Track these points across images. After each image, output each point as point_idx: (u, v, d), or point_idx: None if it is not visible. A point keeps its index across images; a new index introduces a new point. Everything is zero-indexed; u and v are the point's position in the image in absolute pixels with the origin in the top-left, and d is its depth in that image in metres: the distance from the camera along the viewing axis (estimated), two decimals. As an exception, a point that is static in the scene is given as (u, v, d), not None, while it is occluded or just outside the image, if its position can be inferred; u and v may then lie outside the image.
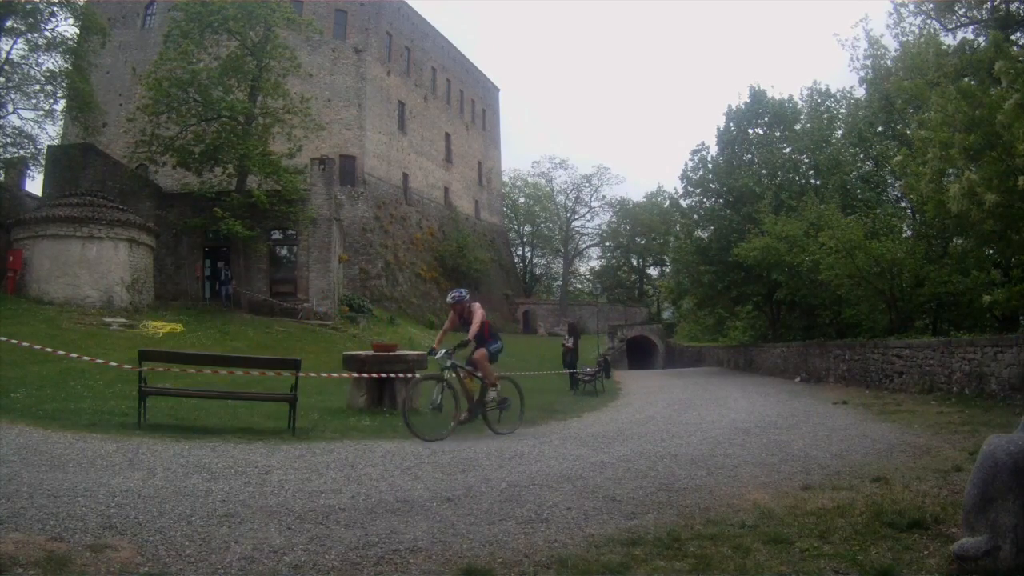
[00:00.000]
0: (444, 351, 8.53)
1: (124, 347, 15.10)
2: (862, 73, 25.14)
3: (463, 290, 9.22)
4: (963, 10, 13.74)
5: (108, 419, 8.30)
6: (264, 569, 3.48)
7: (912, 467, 6.21)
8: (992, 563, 3.22)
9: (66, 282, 22.02)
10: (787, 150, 27.70)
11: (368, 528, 4.21)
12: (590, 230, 68.49)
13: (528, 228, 68.47)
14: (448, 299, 9.14)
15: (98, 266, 22.57)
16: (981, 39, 13.23)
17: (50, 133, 32.35)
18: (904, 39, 18.53)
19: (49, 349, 10.86)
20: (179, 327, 20.51)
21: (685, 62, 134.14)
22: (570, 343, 19.36)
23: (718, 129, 29.07)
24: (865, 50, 24.88)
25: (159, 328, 19.96)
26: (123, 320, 20.39)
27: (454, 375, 8.57)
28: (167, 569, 3.41)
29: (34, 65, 25.83)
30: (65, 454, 6.08)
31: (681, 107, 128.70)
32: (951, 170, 12.66)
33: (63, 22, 27.83)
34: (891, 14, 22.88)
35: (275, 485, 5.33)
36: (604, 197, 67.60)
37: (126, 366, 9.68)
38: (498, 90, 61.33)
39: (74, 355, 10.96)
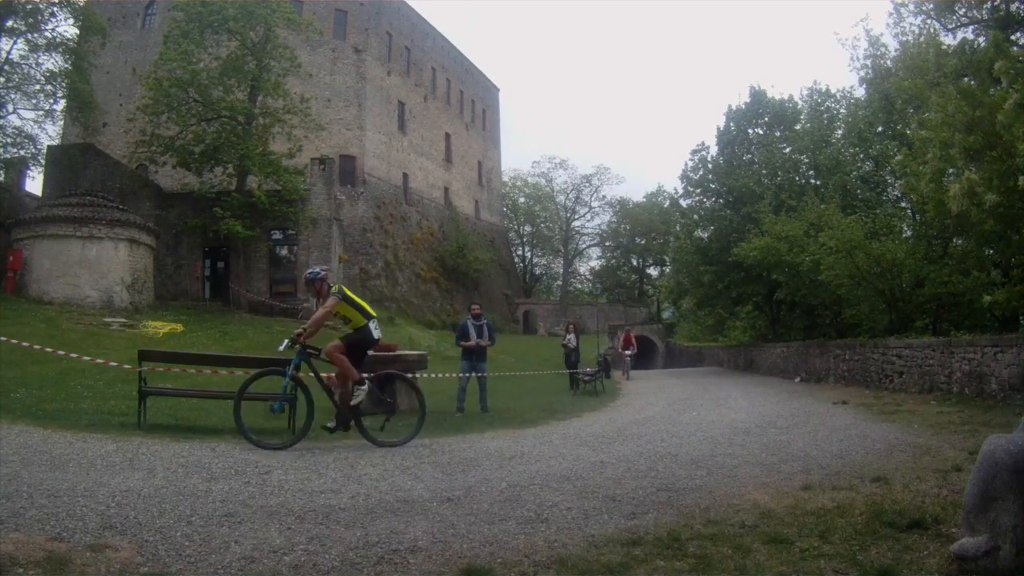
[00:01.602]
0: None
1: (124, 347, 15.09)
2: (862, 73, 25.23)
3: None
4: (963, 10, 13.76)
5: (108, 419, 8.30)
6: (264, 569, 3.48)
7: (912, 467, 6.21)
8: (992, 563, 3.22)
9: (66, 282, 22.02)
10: (787, 150, 27.70)
11: (368, 528, 4.21)
12: (590, 230, 68.60)
13: (528, 228, 68.46)
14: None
15: (98, 266, 22.57)
16: (981, 39, 13.25)
17: (50, 133, 32.38)
18: (904, 39, 18.58)
19: (49, 349, 10.87)
20: (179, 327, 20.50)
21: (685, 62, 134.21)
22: (572, 343, 19.29)
23: (718, 129, 29.09)
24: (865, 50, 24.98)
25: (159, 328, 19.95)
26: (123, 320, 20.38)
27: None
28: (167, 569, 3.41)
29: (34, 65, 25.85)
30: (65, 454, 6.08)
31: (681, 107, 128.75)
32: (951, 170, 12.66)
33: (63, 22, 27.85)
34: (891, 14, 22.98)
35: (275, 485, 5.33)
36: (604, 197, 67.73)
37: (126, 366, 9.69)
38: (498, 90, 61.33)
39: (74, 355, 10.96)
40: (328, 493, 5.13)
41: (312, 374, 7.54)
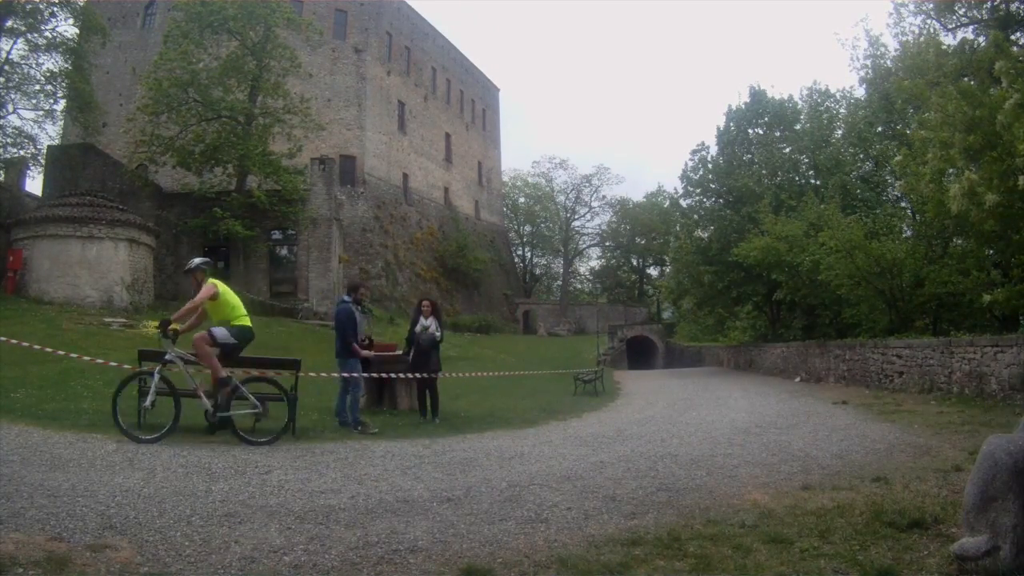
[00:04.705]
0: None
1: (124, 347, 15.07)
2: (862, 73, 25.18)
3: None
4: (963, 10, 13.74)
5: (108, 419, 8.27)
6: (264, 569, 3.48)
7: (912, 467, 6.21)
8: (992, 563, 3.22)
9: (66, 282, 22.02)
10: (787, 150, 27.70)
11: (368, 528, 4.21)
12: (590, 230, 68.46)
13: (528, 228, 68.43)
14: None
15: (98, 266, 22.56)
16: (981, 39, 13.23)
17: (50, 133, 32.43)
18: (904, 39, 18.50)
19: (49, 349, 10.84)
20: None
21: (685, 62, 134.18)
22: (434, 330, 10.13)
23: (718, 129, 29.10)
24: (865, 50, 24.92)
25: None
26: (123, 320, 20.37)
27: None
28: (167, 569, 3.40)
29: (34, 65, 25.89)
30: (65, 454, 6.08)
31: (681, 107, 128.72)
32: (951, 170, 12.66)
33: (63, 22, 27.85)
34: (891, 14, 22.99)
35: (275, 485, 5.34)
36: (604, 197, 67.49)
37: (126, 366, 9.66)
38: (498, 90, 61.34)
39: (74, 355, 10.95)
40: (328, 493, 5.13)
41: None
